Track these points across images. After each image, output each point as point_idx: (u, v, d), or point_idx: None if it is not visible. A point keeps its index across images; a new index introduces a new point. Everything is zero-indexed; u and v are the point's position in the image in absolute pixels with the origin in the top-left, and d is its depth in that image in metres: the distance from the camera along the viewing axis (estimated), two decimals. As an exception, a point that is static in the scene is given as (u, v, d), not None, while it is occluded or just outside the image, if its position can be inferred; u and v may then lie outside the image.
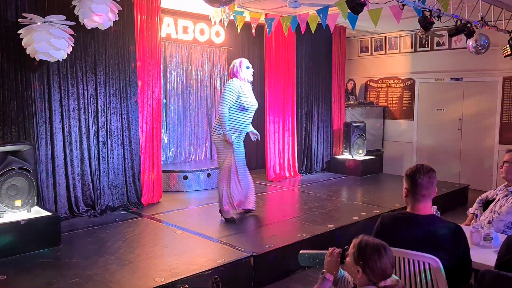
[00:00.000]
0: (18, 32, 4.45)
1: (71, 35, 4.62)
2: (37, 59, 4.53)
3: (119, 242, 4.31)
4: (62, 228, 4.35)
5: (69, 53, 4.73)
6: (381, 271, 1.94)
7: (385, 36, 9.10)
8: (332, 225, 4.91)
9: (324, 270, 2.20)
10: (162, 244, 4.36)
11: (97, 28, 4.87)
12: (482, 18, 5.82)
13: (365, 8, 4.37)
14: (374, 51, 9.38)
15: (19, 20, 4.49)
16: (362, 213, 5.44)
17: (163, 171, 6.28)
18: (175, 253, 4.05)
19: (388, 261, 1.96)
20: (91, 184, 5.29)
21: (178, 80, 7.31)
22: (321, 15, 5.48)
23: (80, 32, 4.95)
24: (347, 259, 2.05)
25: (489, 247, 2.82)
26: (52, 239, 4.16)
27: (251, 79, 5.03)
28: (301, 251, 2.33)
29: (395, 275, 2.33)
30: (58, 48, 4.45)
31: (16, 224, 3.99)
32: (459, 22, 5.58)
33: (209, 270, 3.63)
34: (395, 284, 1.95)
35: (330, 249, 2.23)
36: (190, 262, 3.77)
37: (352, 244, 2.03)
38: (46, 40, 4.36)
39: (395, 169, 8.83)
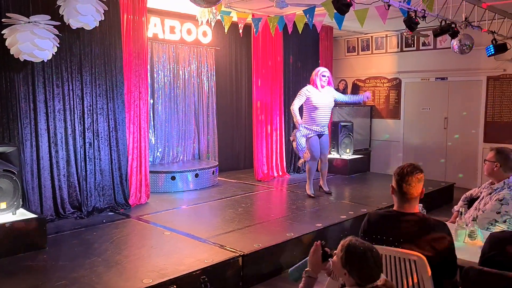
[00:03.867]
0: (2, 32, 4.39)
1: (56, 35, 4.57)
2: (21, 60, 4.47)
3: (106, 244, 4.27)
4: (48, 230, 4.30)
5: (54, 54, 4.68)
6: (367, 275, 1.96)
7: (372, 36, 9.18)
8: (320, 224, 4.94)
9: (307, 269, 2.22)
10: (150, 245, 4.33)
11: (82, 28, 4.82)
12: (466, 18, 5.91)
13: (351, 8, 4.40)
14: (361, 51, 9.44)
15: (2, 20, 4.42)
16: (350, 212, 5.48)
17: (151, 172, 6.25)
18: (163, 254, 4.03)
19: (375, 265, 1.97)
20: (77, 185, 5.24)
21: (166, 80, 7.28)
22: (308, 15, 5.50)
23: (65, 32, 4.90)
24: (334, 258, 2.07)
25: (474, 244, 2.87)
26: (37, 242, 4.12)
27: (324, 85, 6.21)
28: (289, 270, 2.37)
29: (382, 273, 2.35)
30: (43, 48, 4.40)
31: (0, 227, 3.93)
32: (443, 23, 5.65)
33: (197, 270, 3.62)
34: (383, 284, 1.97)
35: (314, 246, 2.24)
36: (178, 263, 3.76)
37: (339, 246, 2.04)
38: (31, 41, 4.31)
39: (382, 168, 8.90)
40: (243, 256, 3.97)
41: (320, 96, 6.14)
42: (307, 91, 6.15)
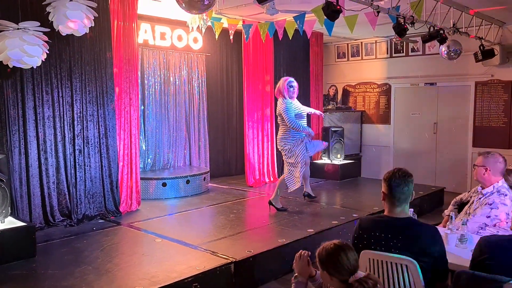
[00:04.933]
0: (-10, 38, 4.35)
1: (45, 41, 4.54)
2: (10, 66, 4.43)
3: (96, 252, 4.23)
4: (37, 239, 4.24)
5: (44, 60, 4.64)
6: (346, 268, 2.03)
7: (362, 42, 9.25)
8: (312, 230, 4.94)
9: (296, 274, 2.31)
10: (141, 252, 4.30)
11: (72, 34, 4.80)
12: (454, 24, 5.99)
13: (341, 14, 4.44)
14: (351, 56, 9.51)
15: (-9, 26, 4.39)
16: (341, 218, 5.48)
17: (142, 179, 6.21)
18: (154, 261, 4.00)
19: (347, 258, 2.05)
20: (67, 193, 5.19)
21: (156, 86, 7.26)
22: (298, 22, 5.54)
23: (55, 39, 4.87)
24: (319, 271, 2.16)
25: (464, 248, 2.89)
26: (27, 250, 4.06)
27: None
28: None
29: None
30: (32, 55, 4.37)
31: (-11, 236, 3.88)
32: (432, 29, 5.72)
33: (189, 277, 3.60)
34: (366, 275, 2.03)
35: (298, 253, 2.35)
36: (170, 270, 3.74)
37: (316, 256, 2.15)
38: (20, 47, 4.27)
39: (373, 173, 8.94)
40: (235, 262, 3.95)
41: (297, 103, 5.85)
42: (289, 102, 5.69)
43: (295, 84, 5.82)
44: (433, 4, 5.46)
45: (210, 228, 5.24)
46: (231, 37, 6.45)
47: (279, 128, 5.93)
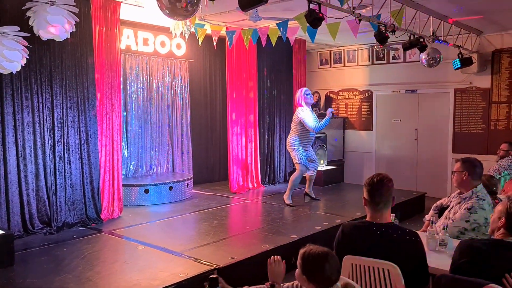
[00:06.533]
0: (-32, 43, 4.26)
1: (25, 46, 4.48)
2: (-11, 71, 4.35)
3: (77, 260, 4.16)
4: (15, 247, 4.16)
5: (23, 65, 4.57)
6: (326, 279, 2.01)
7: (344, 49, 9.36)
8: (295, 236, 4.94)
9: (269, 282, 2.27)
10: (123, 260, 4.24)
11: (53, 39, 4.74)
12: (433, 33, 6.11)
13: (323, 22, 4.48)
14: (334, 63, 9.61)
15: (-31, 30, 4.31)
16: (324, 223, 5.51)
17: (124, 185, 6.15)
18: (136, 268, 3.95)
19: (331, 268, 2.02)
20: (47, 200, 5.10)
21: (139, 92, 7.21)
22: (281, 29, 5.59)
23: (35, 44, 4.80)
24: (297, 270, 2.09)
25: (444, 252, 2.93)
26: (5, 259, 3.97)
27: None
28: None
29: (356, 283, 2.38)
30: (12, 60, 4.31)
31: (-35, 244, 3.78)
32: (412, 37, 5.83)
33: (172, 285, 3.57)
34: (343, 286, 2.04)
35: (270, 259, 2.31)
36: (152, 278, 3.70)
37: (299, 255, 2.09)
38: (-1, 52, 4.21)
39: (356, 179, 9.02)
40: (218, 269, 3.93)
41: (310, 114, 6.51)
42: (307, 109, 6.46)
43: (310, 92, 6.69)
44: (413, 12, 5.57)
45: (193, 234, 5.20)
46: (215, 43, 6.46)
47: (290, 132, 6.68)
